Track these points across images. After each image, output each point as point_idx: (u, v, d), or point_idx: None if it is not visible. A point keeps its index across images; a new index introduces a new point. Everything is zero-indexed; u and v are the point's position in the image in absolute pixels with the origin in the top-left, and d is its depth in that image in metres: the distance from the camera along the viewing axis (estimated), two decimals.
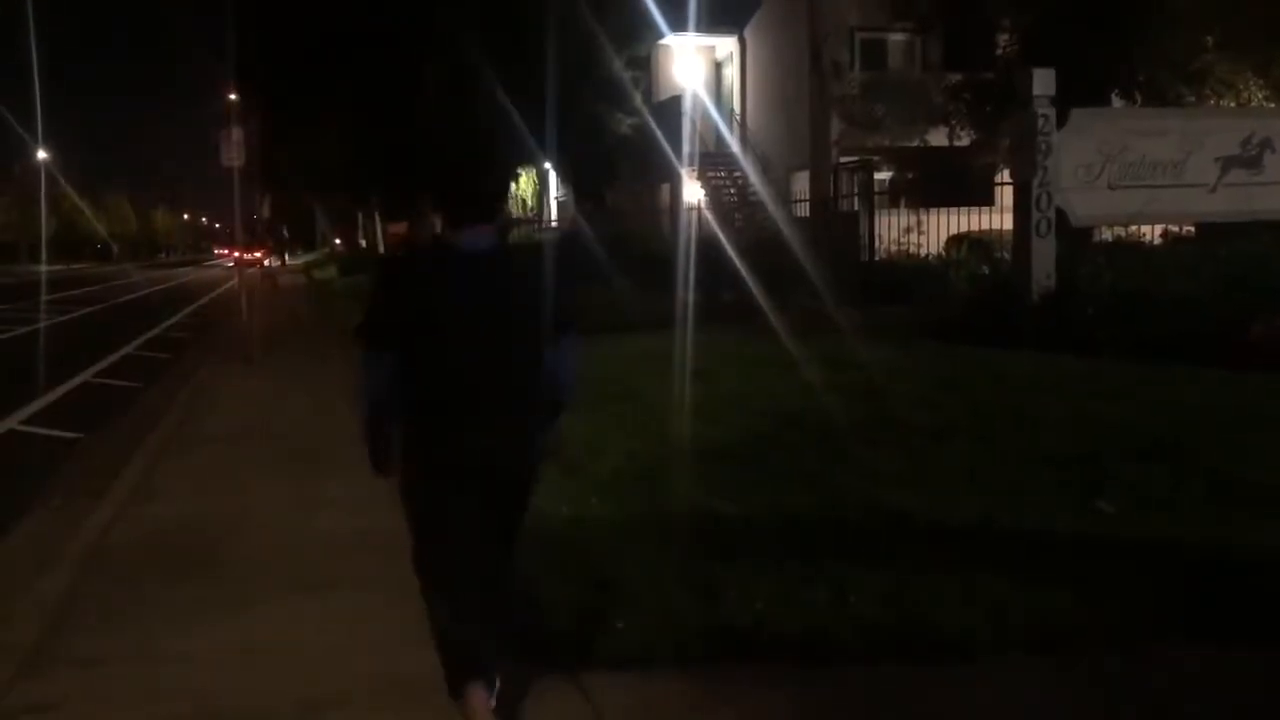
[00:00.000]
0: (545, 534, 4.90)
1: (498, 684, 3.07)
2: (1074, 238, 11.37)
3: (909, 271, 14.57)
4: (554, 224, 34.66)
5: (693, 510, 5.10)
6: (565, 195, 33.27)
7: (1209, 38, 15.55)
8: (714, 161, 25.91)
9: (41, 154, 76.77)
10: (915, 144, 21.91)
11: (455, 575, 3.07)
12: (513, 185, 38.15)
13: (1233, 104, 15.94)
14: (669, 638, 3.70)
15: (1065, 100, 10.71)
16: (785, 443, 6.40)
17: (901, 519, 4.81)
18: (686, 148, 24.27)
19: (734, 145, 26.42)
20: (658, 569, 4.33)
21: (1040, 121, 10.38)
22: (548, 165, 32.41)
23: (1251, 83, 16.03)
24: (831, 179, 22.06)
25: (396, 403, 3.03)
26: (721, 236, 17.82)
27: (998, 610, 3.79)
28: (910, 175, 23.13)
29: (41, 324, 21.42)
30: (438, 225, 3.13)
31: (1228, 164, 11.34)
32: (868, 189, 20.00)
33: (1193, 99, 15.80)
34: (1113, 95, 16.09)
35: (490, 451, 3.02)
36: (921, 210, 16.74)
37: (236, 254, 23.96)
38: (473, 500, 3.03)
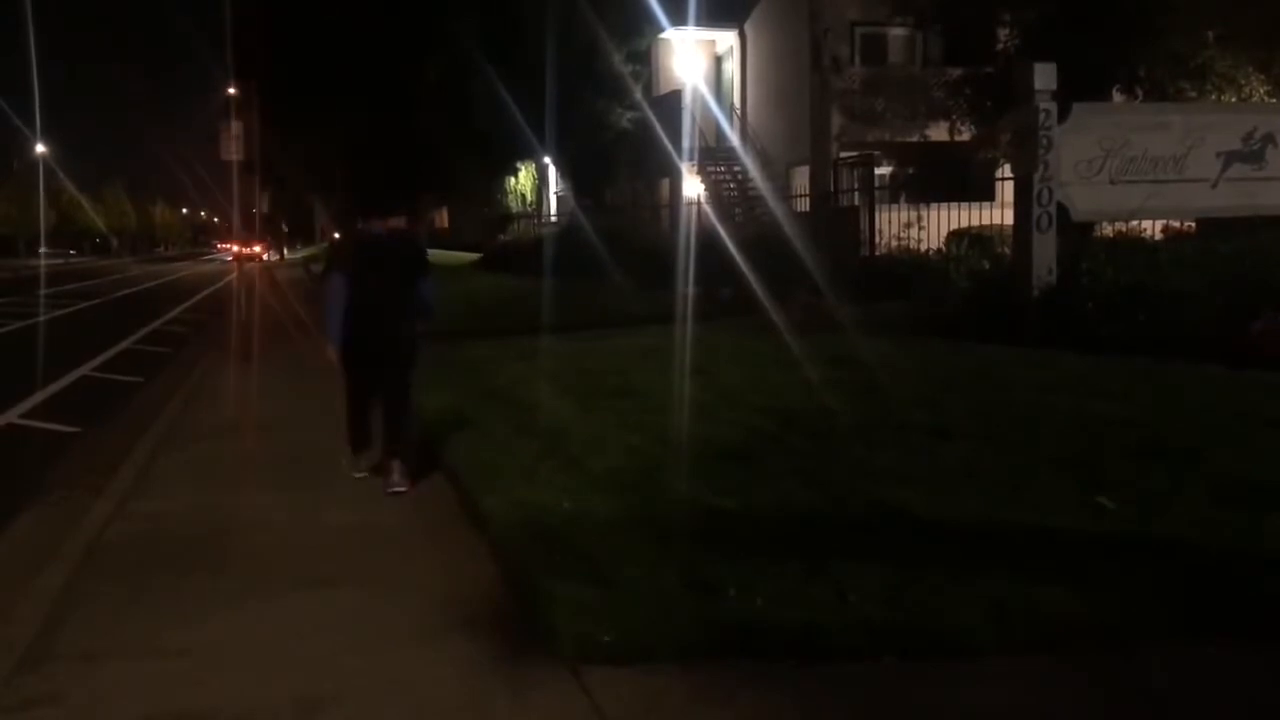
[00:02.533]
0: (545, 529, 4.89)
1: (376, 457, 6.37)
2: (1075, 233, 11.34)
3: (909, 267, 14.52)
4: (553, 218, 34.61)
5: (693, 506, 5.09)
6: (564, 190, 33.21)
7: (1210, 33, 15.51)
8: (714, 156, 25.87)
9: (40, 148, 76.69)
10: (915, 139, 21.87)
11: (358, 392, 6.32)
12: (511, 180, 38.15)
13: (1234, 99, 15.90)
14: (669, 633, 3.69)
15: (1066, 95, 10.67)
16: (784, 439, 6.39)
17: (902, 516, 4.79)
18: (686, 142, 24.23)
19: (734, 140, 26.38)
20: (658, 564, 4.32)
21: (1041, 116, 10.35)
22: (547, 160, 32.37)
23: (1253, 78, 15.99)
24: (832, 174, 22.07)
25: (342, 308, 6.08)
26: (721, 231, 17.80)
27: (998, 607, 3.78)
28: (910, 170, 23.09)
29: (40, 318, 21.41)
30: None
31: (1229, 159, 11.31)
32: (868, 184, 20.00)
33: (1194, 94, 15.76)
34: (1114, 90, 16.04)
35: (380, 333, 6.10)
36: (922, 205, 16.70)
37: (235, 248, 23.94)
38: (372, 355, 6.14)
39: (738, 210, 23.80)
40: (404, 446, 6.19)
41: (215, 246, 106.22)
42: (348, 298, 6.05)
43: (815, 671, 3.47)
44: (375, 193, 6.65)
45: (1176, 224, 14.94)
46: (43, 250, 76.84)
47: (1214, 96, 15.74)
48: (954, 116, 18.42)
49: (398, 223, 6.26)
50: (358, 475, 6.34)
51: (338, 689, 3.53)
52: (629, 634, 3.68)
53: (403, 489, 6.04)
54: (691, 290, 15.06)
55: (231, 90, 19.26)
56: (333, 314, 6.08)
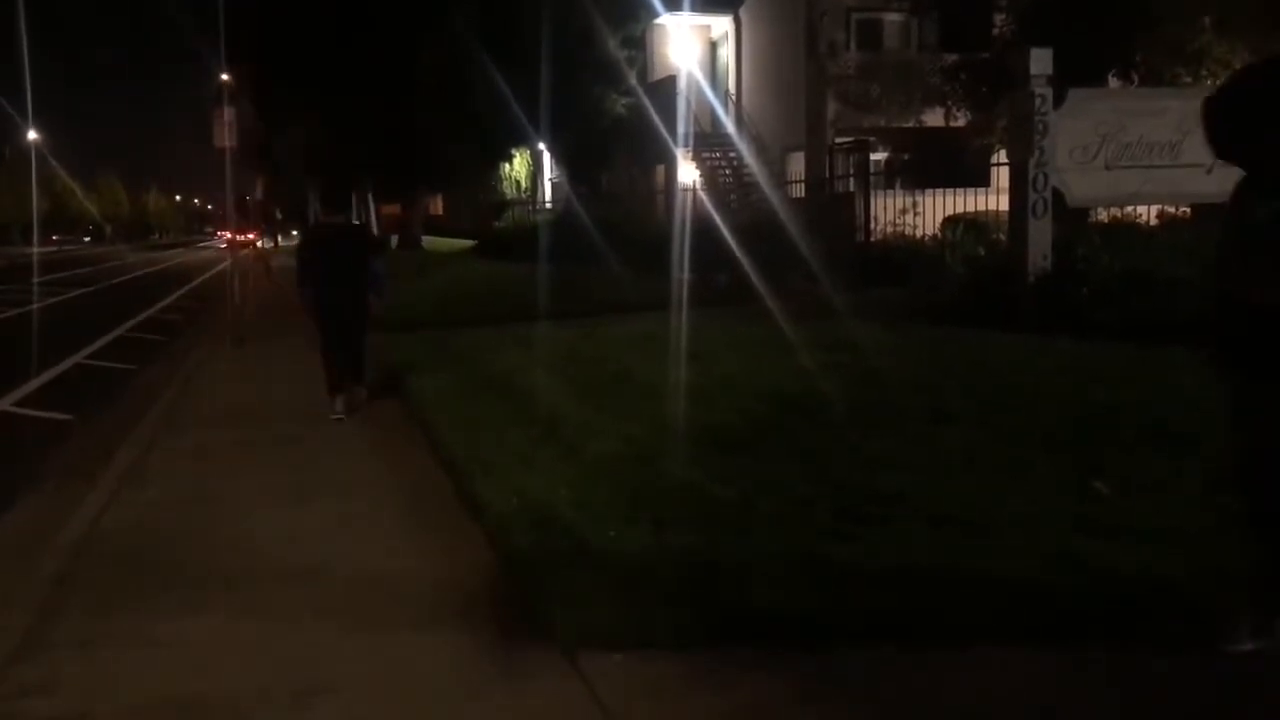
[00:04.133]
0: (542, 516, 4.89)
1: (346, 394, 8.13)
2: (1071, 219, 11.33)
3: (905, 253, 14.51)
4: (548, 205, 34.53)
5: (690, 492, 5.09)
6: (559, 176, 33.12)
7: (1206, 19, 15.47)
8: (709, 143, 25.80)
9: (32, 134, 76.27)
10: (911, 125, 21.81)
11: (329, 346, 8.03)
12: (506, 166, 38.06)
13: None
14: (667, 619, 3.69)
15: (1062, 80, 10.64)
16: (780, 425, 6.39)
17: (898, 502, 4.80)
18: (682, 129, 24.16)
19: (729, 126, 26.29)
20: (656, 550, 4.32)
21: (1037, 101, 10.32)
22: (542, 146, 32.26)
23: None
24: (827, 160, 22.03)
25: (313, 283, 8.01)
26: (717, 218, 17.77)
27: (995, 594, 3.79)
28: (906, 156, 23.05)
29: (34, 305, 21.34)
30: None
31: None
32: (863, 170, 19.94)
33: (1190, 80, 15.73)
34: (1110, 76, 16.02)
35: (340, 303, 7.89)
36: (917, 191, 16.66)
37: (229, 235, 23.89)
38: (336, 320, 7.94)
39: (733, 196, 23.74)
40: (357, 385, 8.28)
41: (212, 234, 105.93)
42: (317, 275, 7.94)
43: (814, 657, 3.47)
44: (333, 192, 9.47)
45: (1172, 209, 14.94)
46: (55, 238, 76.32)
47: (1210, 82, 15.71)
48: (950, 102, 18.37)
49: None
50: (335, 417, 7.92)
51: (332, 678, 3.53)
52: (626, 620, 3.69)
53: (341, 415, 7.94)
54: (687, 277, 15.05)
55: (225, 76, 19.12)
56: (305, 287, 8.05)
